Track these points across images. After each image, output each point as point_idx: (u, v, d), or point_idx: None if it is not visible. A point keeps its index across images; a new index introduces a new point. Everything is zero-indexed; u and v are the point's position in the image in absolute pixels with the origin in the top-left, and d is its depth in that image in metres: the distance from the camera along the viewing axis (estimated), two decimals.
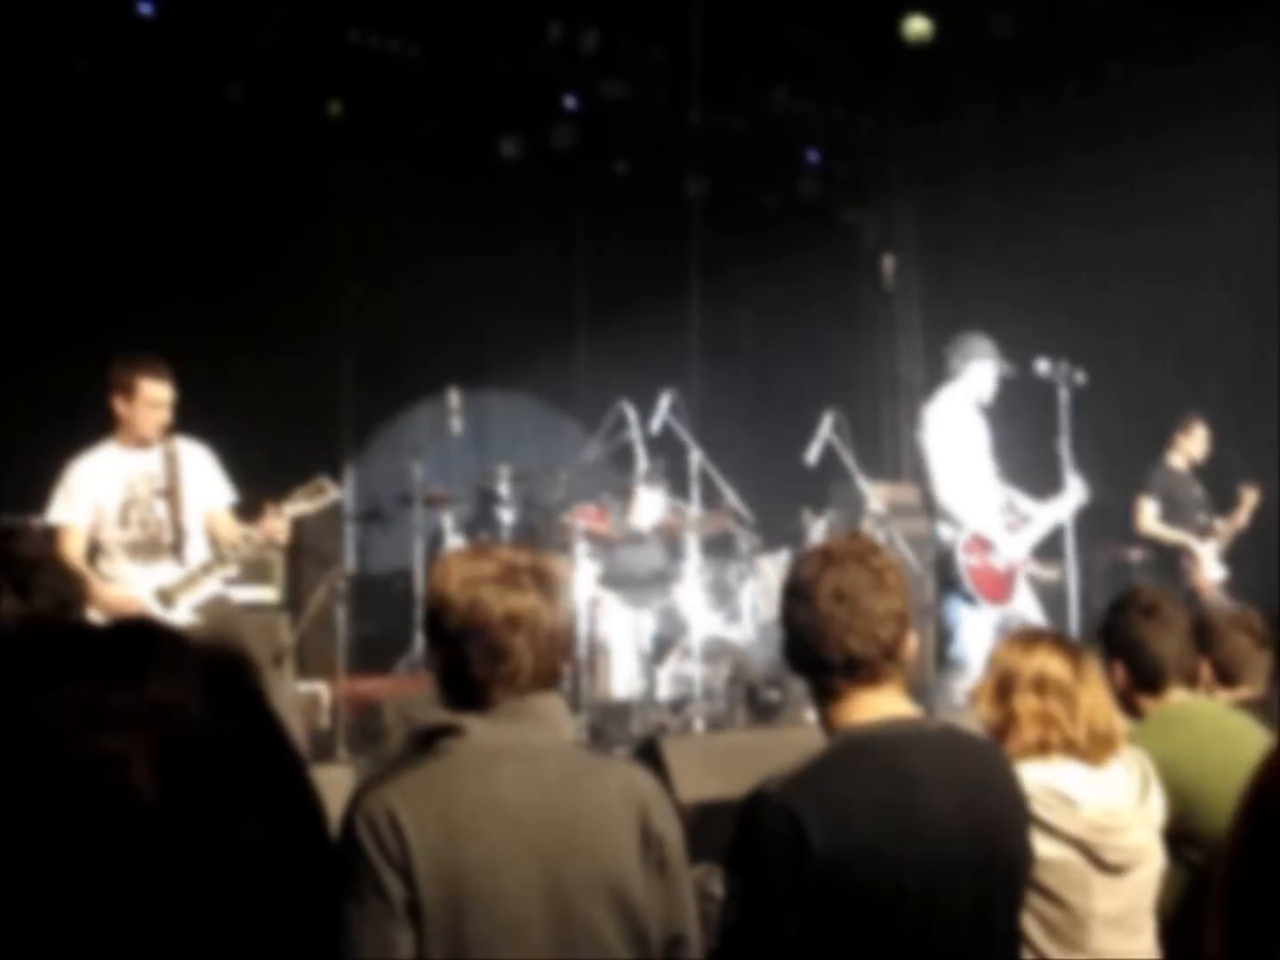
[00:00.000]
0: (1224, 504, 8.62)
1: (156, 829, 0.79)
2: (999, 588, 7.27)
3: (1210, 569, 8.41)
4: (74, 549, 5.69)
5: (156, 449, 5.83)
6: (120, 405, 5.74)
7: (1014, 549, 7.32)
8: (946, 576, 7.30)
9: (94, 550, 5.76)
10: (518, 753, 2.41)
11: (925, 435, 7.40)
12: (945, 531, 7.28)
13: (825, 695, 2.66)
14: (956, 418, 7.43)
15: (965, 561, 7.17)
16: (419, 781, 2.36)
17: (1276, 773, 1.57)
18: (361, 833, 2.28)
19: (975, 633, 7.08)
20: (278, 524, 5.66)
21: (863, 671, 2.59)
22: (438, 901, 2.28)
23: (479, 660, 2.42)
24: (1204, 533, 8.45)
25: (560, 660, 2.52)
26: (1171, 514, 8.59)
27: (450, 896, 2.28)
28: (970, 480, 7.31)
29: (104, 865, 0.78)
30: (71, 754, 0.79)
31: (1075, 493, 7.43)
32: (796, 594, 2.68)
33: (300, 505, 5.74)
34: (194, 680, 0.85)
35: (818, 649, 2.61)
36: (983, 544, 7.23)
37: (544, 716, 2.47)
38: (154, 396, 5.74)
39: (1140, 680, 3.77)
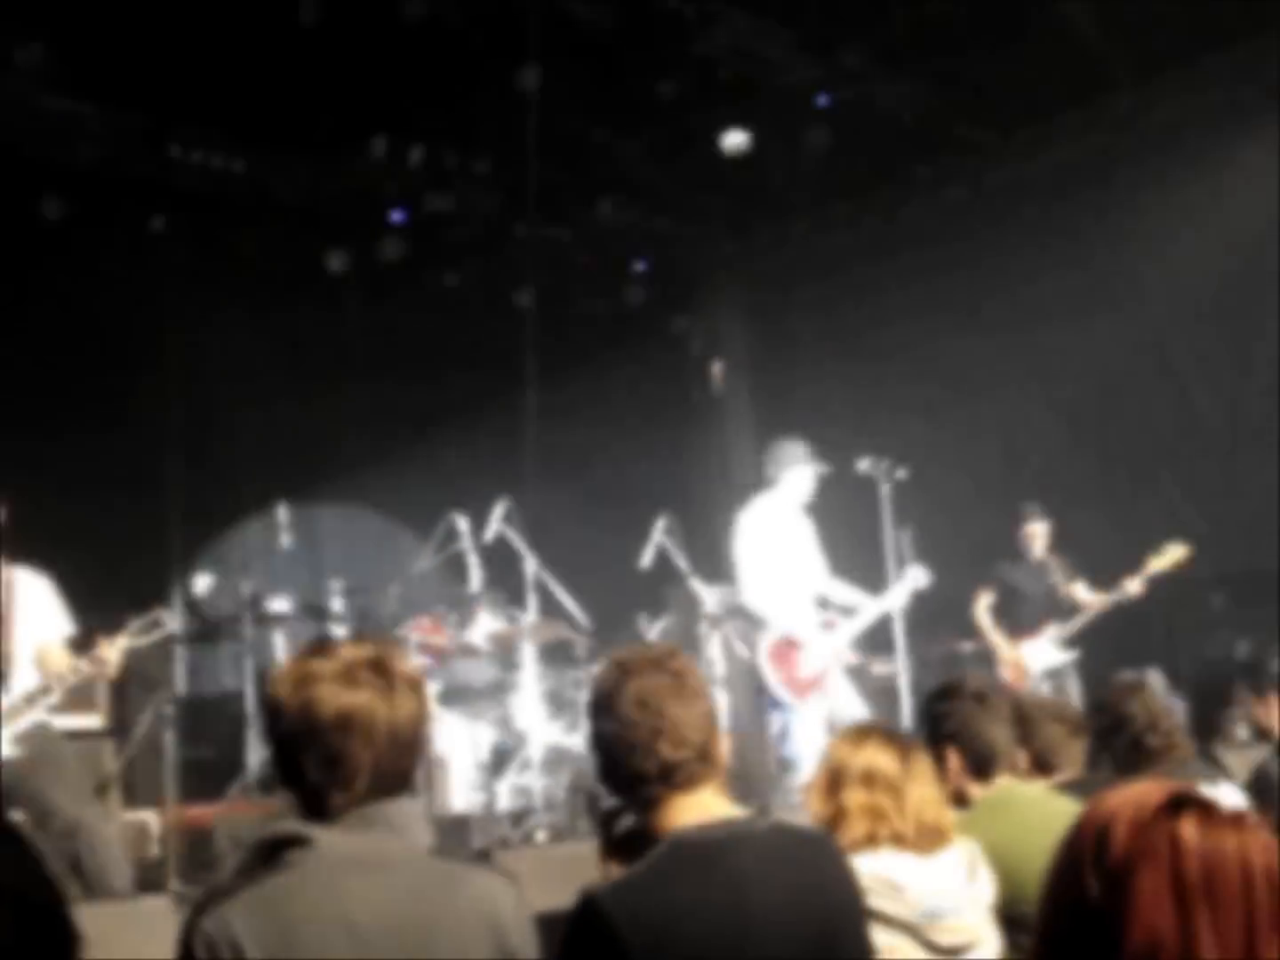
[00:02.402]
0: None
1: None
2: (804, 686, 7.39)
3: (1040, 659, 8.57)
4: None
5: None
6: None
7: (828, 646, 7.45)
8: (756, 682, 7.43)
9: None
10: (369, 865, 2.25)
11: (735, 541, 7.58)
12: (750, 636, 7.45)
13: (645, 805, 2.62)
14: (769, 523, 7.62)
15: (768, 664, 7.33)
16: (261, 898, 2.19)
17: (1079, 834, 1.63)
18: (199, 956, 2.13)
19: (805, 731, 7.18)
20: (109, 654, 5.50)
21: (678, 776, 2.57)
22: None
23: (313, 765, 2.28)
24: (1037, 627, 8.62)
25: (407, 761, 2.35)
26: (1009, 607, 8.76)
27: None
28: (782, 583, 7.47)
29: None
30: None
31: (913, 579, 7.57)
32: (600, 708, 2.65)
33: (135, 638, 5.58)
34: None
35: (629, 760, 2.58)
36: (790, 644, 7.38)
37: (396, 823, 2.32)
38: None
39: (972, 767, 3.82)
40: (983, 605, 8.79)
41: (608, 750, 2.64)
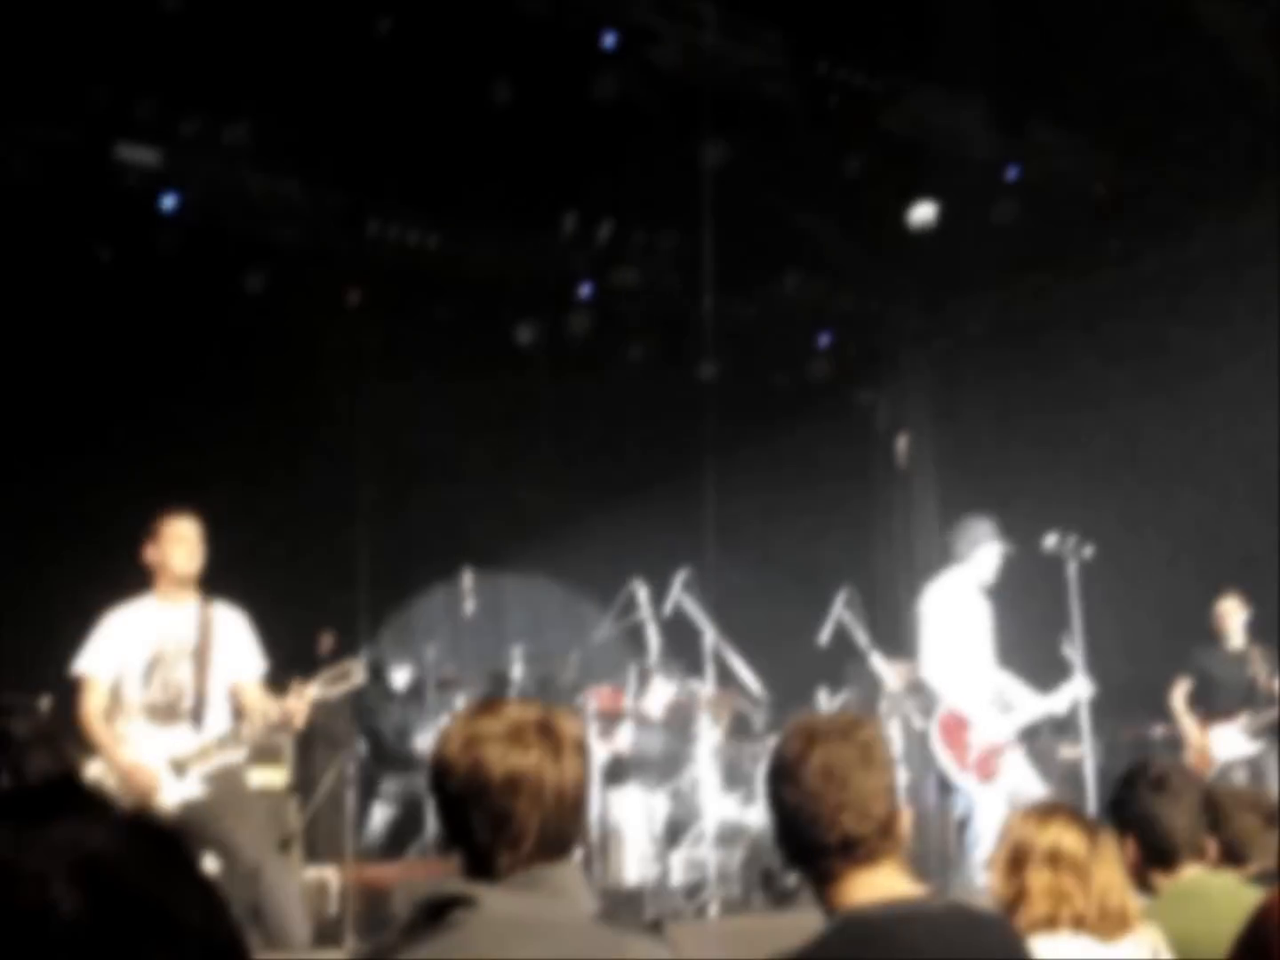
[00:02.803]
0: None
1: (80, 939, 0.85)
2: (980, 765, 7.21)
3: (1228, 746, 8.29)
4: (92, 702, 5.63)
5: (193, 609, 5.81)
6: (150, 552, 5.76)
7: (998, 728, 7.28)
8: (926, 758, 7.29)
9: (114, 705, 5.69)
10: (534, 928, 2.22)
11: (922, 612, 7.47)
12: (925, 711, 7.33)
13: (822, 878, 2.55)
14: (958, 600, 7.49)
15: (939, 740, 7.18)
16: (426, 958, 2.18)
17: (1261, 924, 1.56)
18: None
19: (985, 809, 7.00)
20: (298, 705, 5.63)
21: (859, 850, 2.49)
22: None
23: (481, 825, 2.27)
24: (1230, 715, 8.35)
25: (571, 824, 2.34)
26: (1203, 693, 8.53)
27: None
28: (962, 662, 7.34)
29: None
30: None
31: (1077, 688, 7.38)
32: (782, 775, 2.58)
33: (325, 688, 5.70)
34: (110, 822, 0.91)
35: (811, 830, 2.51)
36: (960, 722, 7.22)
37: (560, 887, 2.29)
38: (179, 531, 5.76)
39: (1152, 855, 3.69)
40: (1178, 692, 8.57)
41: (788, 819, 2.57)
